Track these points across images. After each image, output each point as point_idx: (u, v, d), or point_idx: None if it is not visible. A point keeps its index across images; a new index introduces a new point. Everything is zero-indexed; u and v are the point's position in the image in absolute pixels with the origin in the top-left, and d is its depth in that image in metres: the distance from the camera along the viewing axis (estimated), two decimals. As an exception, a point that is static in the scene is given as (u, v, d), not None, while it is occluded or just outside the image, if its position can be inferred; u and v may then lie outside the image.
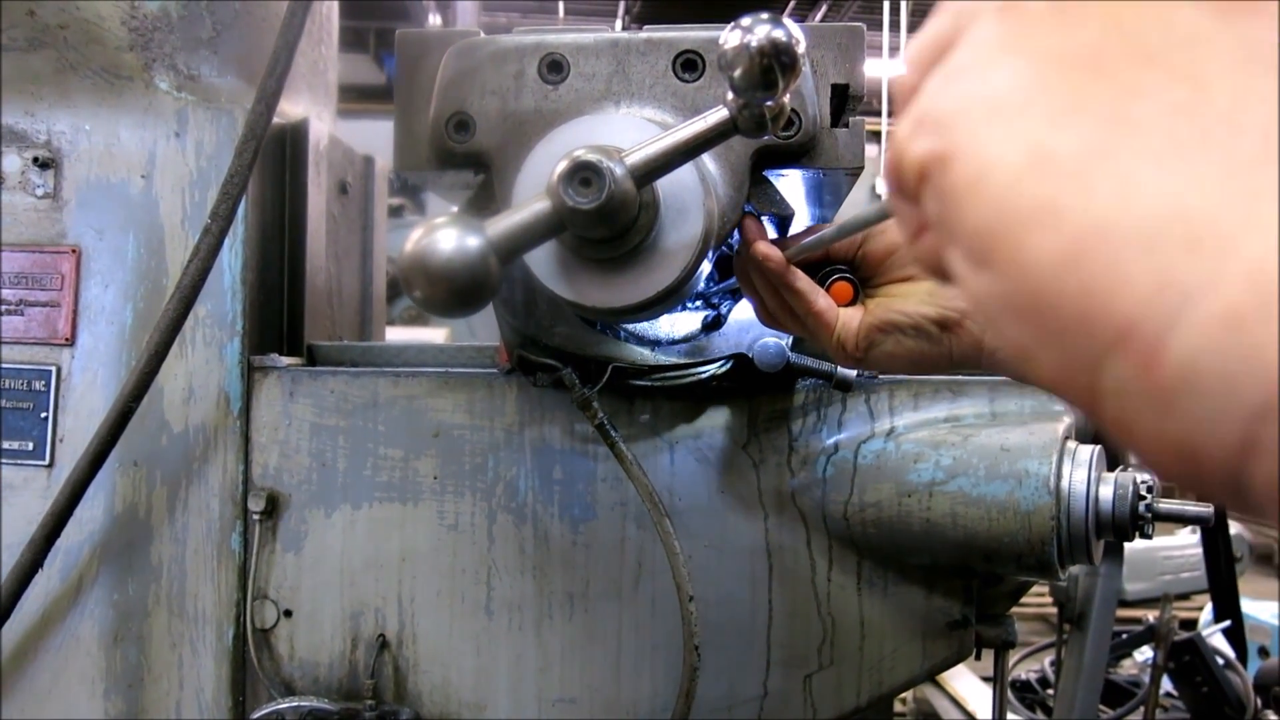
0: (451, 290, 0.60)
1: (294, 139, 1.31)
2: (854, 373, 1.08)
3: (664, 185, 0.68)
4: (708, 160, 0.73)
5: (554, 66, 0.81)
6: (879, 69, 10.21)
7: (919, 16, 13.82)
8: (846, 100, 0.85)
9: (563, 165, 0.60)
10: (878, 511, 1.11)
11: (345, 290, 1.47)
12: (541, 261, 0.71)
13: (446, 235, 0.60)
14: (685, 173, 0.69)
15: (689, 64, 0.80)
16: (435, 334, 3.07)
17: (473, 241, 0.60)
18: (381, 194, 1.56)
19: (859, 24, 0.85)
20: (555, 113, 0.79)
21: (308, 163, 1.31)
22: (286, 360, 1.25)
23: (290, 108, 1.35)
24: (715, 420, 1.18)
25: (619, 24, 16.23)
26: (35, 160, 1.23)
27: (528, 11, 15.90)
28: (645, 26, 0.82)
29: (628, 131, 0.68)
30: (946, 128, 0.37)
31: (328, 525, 1.22)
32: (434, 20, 15.37)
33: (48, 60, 1.23)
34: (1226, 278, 0.29)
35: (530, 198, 0.63)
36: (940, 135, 0.37)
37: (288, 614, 1.23)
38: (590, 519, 1.19)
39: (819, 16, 16.10)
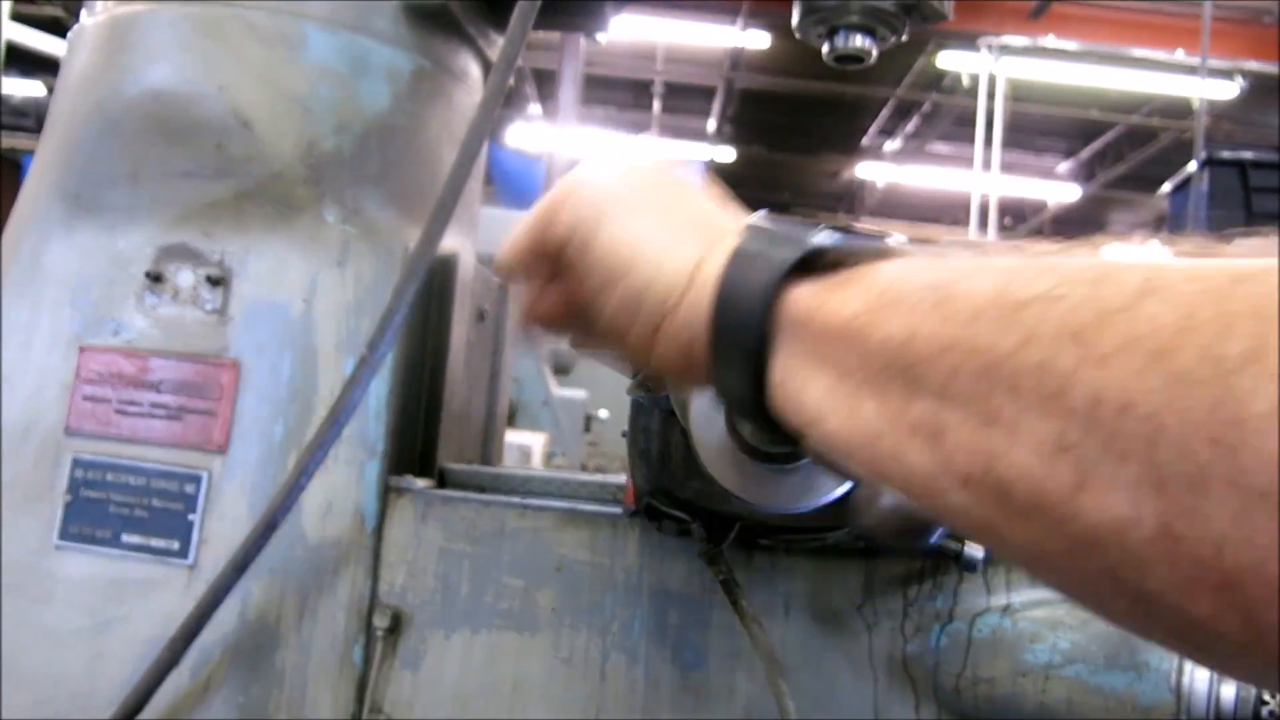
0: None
1: (443, 272, 1.39)
2: (980, 552, 1.10)
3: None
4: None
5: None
6: (975, 182, 10.26)
7: (1013, 131, 13.91)
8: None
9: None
10: (991, 688, 1.12)
11: (474, 411, 1.53)
12: (714, 457, 0.75)
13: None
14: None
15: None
16: (535, 438, 3.14)
17: None
18: (512, 319, 1.63)
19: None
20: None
21: (455, 296, 1.38)
22: (422, 483, 1.31)
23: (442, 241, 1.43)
24: (832, 578, 1.20)
25: (712, 122, 16.58)
26: (208, 278, 1.32)
27: (624, 106, 16.34)
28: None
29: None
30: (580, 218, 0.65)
31: (446, 647, 1.26)
32: (535, 110, 15.84)
33: (228, 188, 1.32)
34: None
35: None
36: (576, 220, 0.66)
37: (400, 730, 1.27)
38: (702, 666, 1.21)
39: (908, 129, 16.27)
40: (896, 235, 0.58)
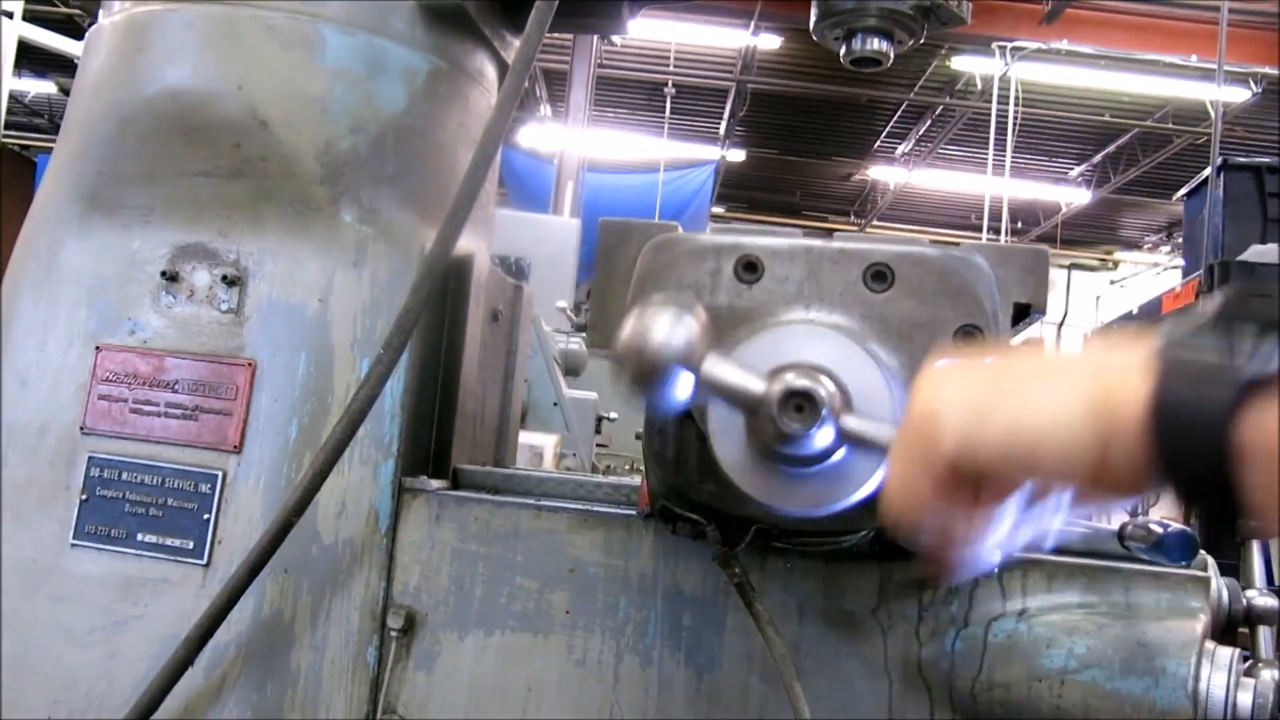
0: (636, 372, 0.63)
1: (459, 273, 1.39)
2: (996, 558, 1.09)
3: (858, 398, 0.72)
4: (897, 368, 0.77)
5: (749, 267, 0.86)
6: (985, 185, 10.23)
7: (1025, 135, 13.86)
8: (1028, 314, 0.89)
9: (779, 387, 0.64)
10: (1006, 693, 1.11)
11: (487, 412, 1.53)
12: (733, 459, 0.75)
13: (661, 323, 0.64)
14: (878, 387, 0.73)
15: (879, 275, 0.85)
16: (547, 439, 3.14)
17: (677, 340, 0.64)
18: (527, 320, 1.63)
19: (1044, 247, 0.89)
20: (749, 310, 0.85)
21: (469, 296, 1.38)
22: (435, 483, 1.31)
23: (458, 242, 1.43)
24: (847, 582, 1.20)
25: (723, 124, 16.58)
26: (224, 278, 1.32)
27: (636, 107, 16.34)
28: (836, 235, 0.88)
29: (818, 343, 0.73)
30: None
31: (460, 648, 1.26)
32: (545, 111, 15.85)
33: (245, 188, 1.33)
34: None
35: (752, 371, 0.67)
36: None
37: (413, 731, 1.27)
38: (715, 669, 1.21)
39: (920, 132, 16.25)
40: None
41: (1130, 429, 0.58)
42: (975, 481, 0.64)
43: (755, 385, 0.62)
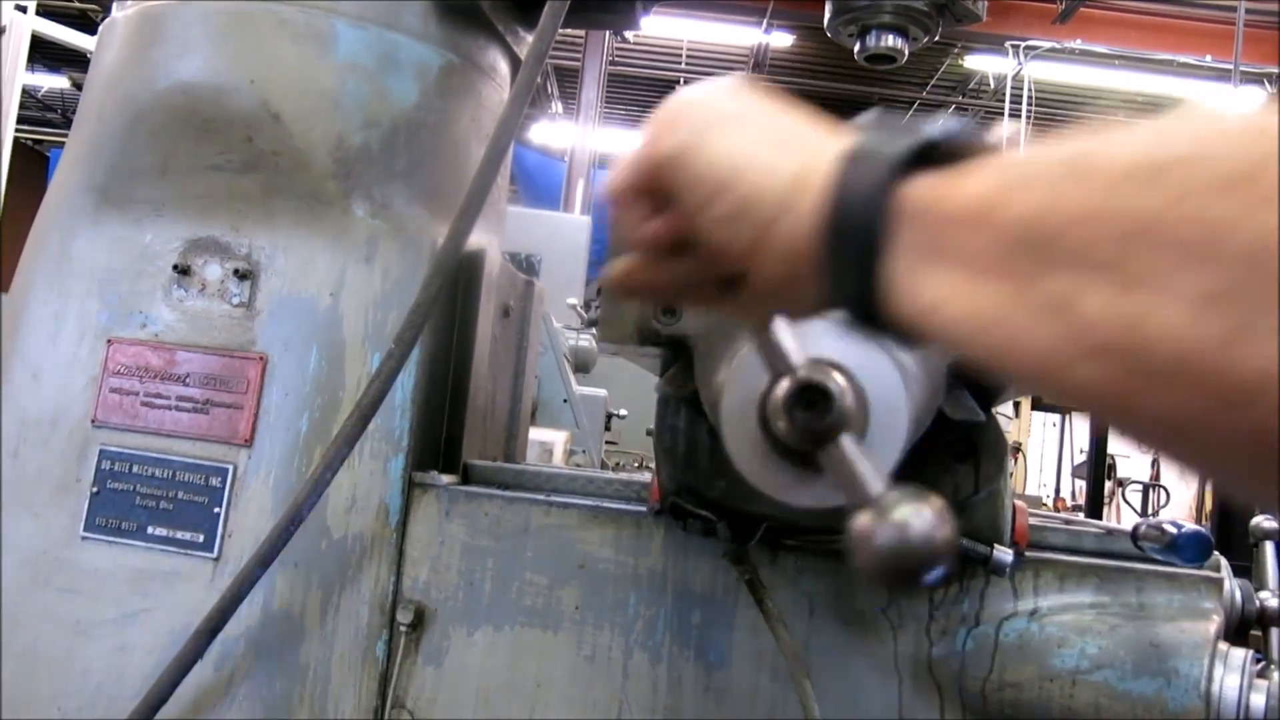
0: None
1: (470, 268, 1.39)
2: (1009, 556, 1.09)
3: (872, 394, 0.71)
4: (911, 365, 0.77)
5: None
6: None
7: (1038, 134, 13.82)
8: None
9: (786, 383, 0.64)
10: (1017, 692, 1.11)
11: (498, 408, 1.53)
12: (745, 456, 0.75)
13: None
14: (892, 383, 0.73)
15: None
16: (557, 435, 3.14)
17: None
18: (538, 315, 1.63)
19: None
20: (760, 307, 0.84)
21: (480, 291, 1.38)
22: (446, 478, 1.31)
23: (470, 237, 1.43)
24: (857, 580, 1.19)
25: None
26: (235, 271, 1.32)
27: (647, 105, 16.32)
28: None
29: (832, 338, 0.72)
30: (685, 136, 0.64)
31: (469, 643, 1.26)
32: (557, 108, 15.85)
33: (257, 182, 1.33)
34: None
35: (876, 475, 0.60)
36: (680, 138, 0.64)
37: (422, 726, 1.27)
38: (725, 666, 1.21)
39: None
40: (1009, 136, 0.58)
41: (810, 202, 0.57)
42: (668, 191, 0.66)
43: (875, 486, 0.57)
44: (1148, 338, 0.41)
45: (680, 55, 14.33)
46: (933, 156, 0.55)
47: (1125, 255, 0.42)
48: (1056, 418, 13.49)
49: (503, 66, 1.55)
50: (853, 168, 0.56)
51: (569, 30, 1.37)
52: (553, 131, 15.52)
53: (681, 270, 0.67)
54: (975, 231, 0.49)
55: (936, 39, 1.37)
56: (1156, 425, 0.43)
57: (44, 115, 17.30)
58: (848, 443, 0.63)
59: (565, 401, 4.18)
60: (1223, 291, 0.39)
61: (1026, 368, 0.47)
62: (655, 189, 0.66)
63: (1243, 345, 0.38)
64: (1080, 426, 12.10)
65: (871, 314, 0.55)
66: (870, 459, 0.62)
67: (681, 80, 14.64)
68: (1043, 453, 14.45)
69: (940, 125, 0.56)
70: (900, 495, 0.57)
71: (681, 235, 0.66)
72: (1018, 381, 0.51)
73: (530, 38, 1.27)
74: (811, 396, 0.63)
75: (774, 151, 0.61)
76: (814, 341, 0.71)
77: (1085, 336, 0.43)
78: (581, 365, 4.94)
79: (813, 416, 0.62)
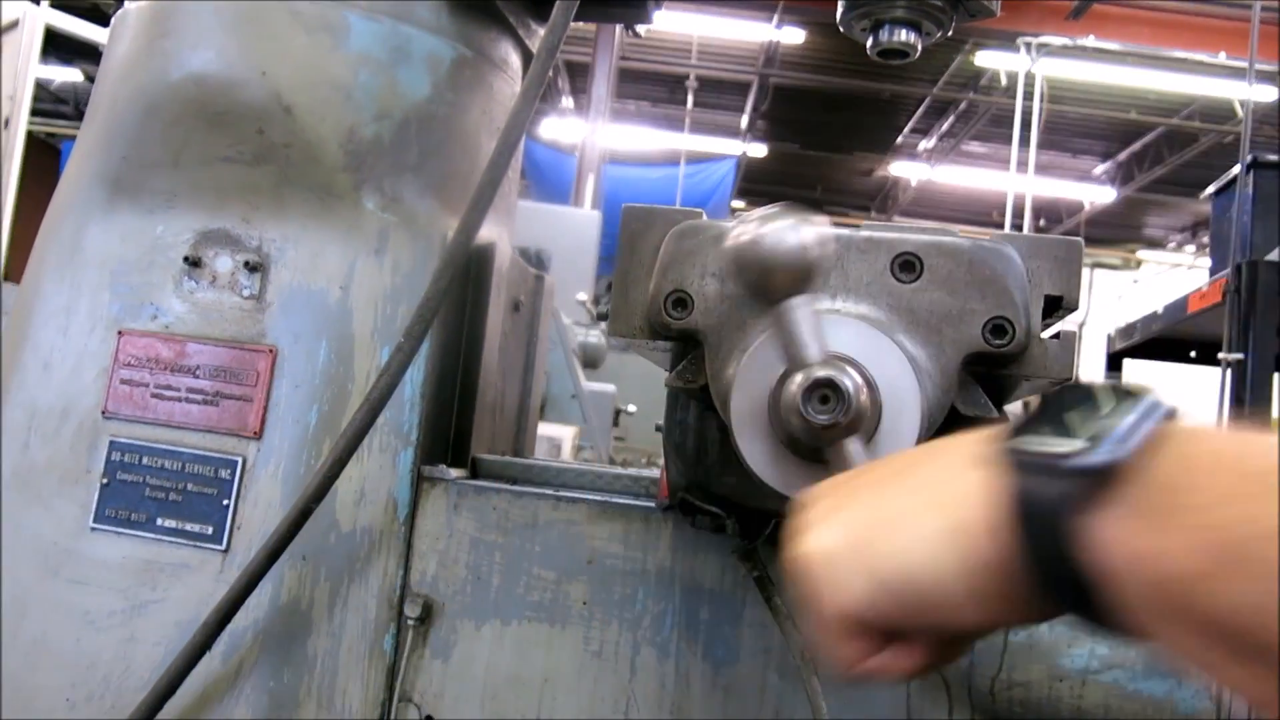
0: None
1: (480, 261, 1.39)
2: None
3: (885, 390, 0.71)
4: (924, 360, 0.76)
5: (774, 257, 0.85)
6: (1008, 182, 10.18)
7: (1050, 132, 13.75)
8: (1059, 307, 0.88)
9: (799, 378, 0.63)
10: (1026, 691, 1.10)
11: (507, 402, 1.53)
12: (755, 451, 0.74)
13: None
14: (905, 378, 0.72)
15: (907, 265, 0.84)
16: (565, 431, 3.14)
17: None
18: (548, 310, 1.62)
19: (1078, 239, 0.88)
20: (772, 301, 0.84)
21: (491, 285, 1.38)
22: (454, 472, 1.30)
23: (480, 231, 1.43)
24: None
25: (745, 118, 16.52)
26: (246, 264, 1.32)
27: (657, 100, 16.32)
28: (865, 224, 0.87)
29: (845, 333, 0.72)
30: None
31: (476, 637, 1.26)
32: (567, 103, 15.83)
33: (268, 174, 1.32)
34: None
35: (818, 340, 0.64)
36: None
37: (429, 719, 1.26)
38: (733, 663, 1.21)
39: (944, 128, 16.16)
40: (1154, 392, 0.54)
41: (986, 543, 0.55)
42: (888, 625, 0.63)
43: (813, 352, 0.60)
44: None
45: (690, 51, 14.32)
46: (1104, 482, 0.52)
47: None
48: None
49: (514, 60, 1.54)
50: (1028, 526, 0.53)
51: (580, 24, 1.37)
52: (563, 127, 15.52)
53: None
54: (1184, 614, 0.48)
55: (950, 35, 1.36)
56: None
57: (57, 108, 17.36)
58: (854, 447, 0.62)
59: (573, 397, 4.19)
60: None
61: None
62: (866, 632, 0.64)
63: None
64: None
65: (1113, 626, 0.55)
66: (881, 454, 0.62)
67: (691, 77, 14.62)
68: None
69: (1108, 443, 0.52)
70: None
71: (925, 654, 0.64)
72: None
73: (542, 31, 1.27)
74: (825, 393, 0.62)
75: (919, 528, 0.58)
76: (828, 334, 0.71)
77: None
78: (590, 361, 4.95)
79: (826, 413, 0.62)
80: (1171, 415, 0.52)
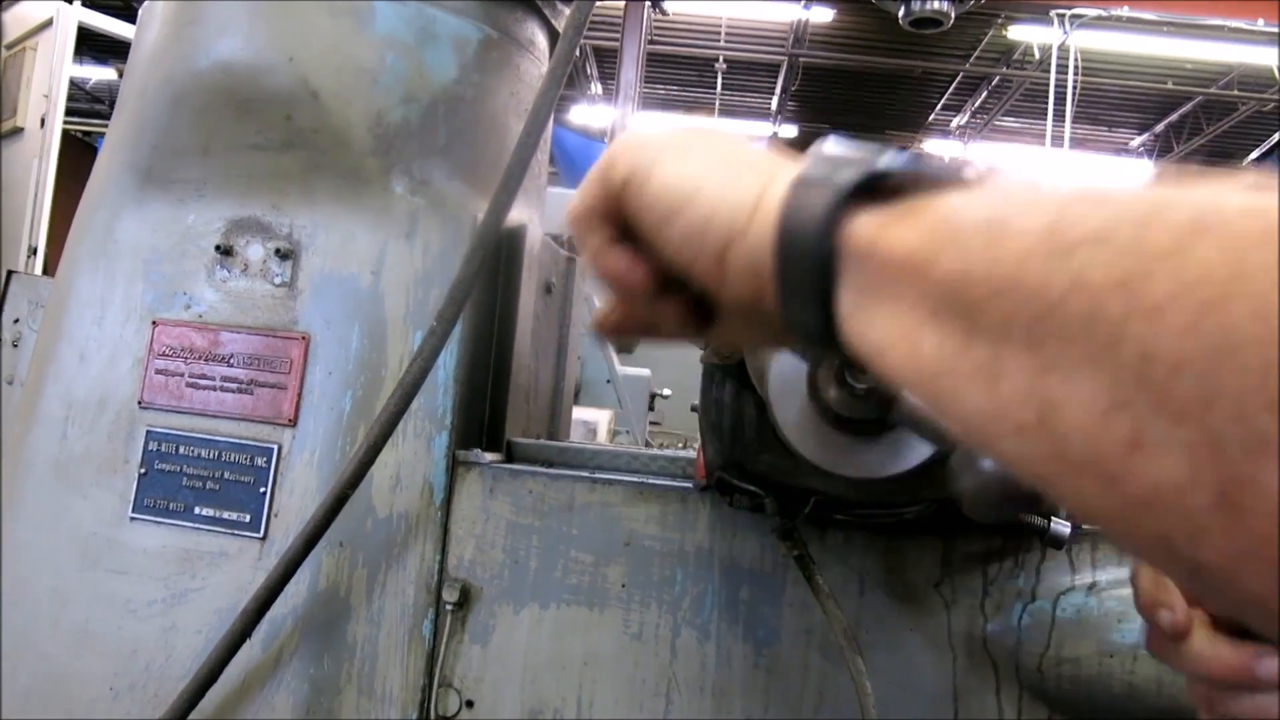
0: None
1: (511, 244, 1.38)
2: (1068, 528, 1.06)
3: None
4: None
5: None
6: (1043, 158, 10.04)
7: (1085, 105, 13.56)
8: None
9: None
10: (1075, 668, 1.08)
11: (541, 385, 1.52)
12: (793, 425, 0.73)
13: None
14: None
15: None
16: (601, 414, 3.13)
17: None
18: (580, 293, 1.61)
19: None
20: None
21: (522, 267, 1.37)
22: (489, 456, 1.30)
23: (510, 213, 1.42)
24: (908, 555, 1.17)
25: (775, 100, 16.42)
26: (277, 251, 1.32)
27: (686, 84, 16.24)
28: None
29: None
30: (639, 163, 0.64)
31: (515, 622, 1.26)
32: (596, 89, 15.80)
33: (297, 160, 1.32)
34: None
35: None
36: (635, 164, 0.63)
37: (469, 704, 1.26)
38: (774, 643, 1.19)
39: (977, 104, 15.97)
40: (970, 161, 0.55)
41: (764, 225, 0.56)
42: (627, 215, 0.65)
43: None
44: (1063, 427, 0.39)
45: (719, 33, 14.22)
46: (882, 187, 0.52)
47: (1037, 337, 0.40)
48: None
49: (541, 40, 1.53)
50: (801, 195, 0.54)
51: (607, 5, 1.35)
52: (592, 113, 15.48)
53: (659, 309, 0.66)
54: (909, 283, 0.47)
55: (982, 5, 1.32)
56: (1081, 511, 0.41)
57: (93, 107, 17.54)
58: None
59: (608, 382, 4.17)
60: (1120, 398, 0.36)
61: (963, 428, 0.45)
62: (614, 214, 0.66)
63: (1143, 454, 0.36)
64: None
65: (830, 343, 0.53)
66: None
67: (720, 59, 14.53)
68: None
69: (893, 156, 0.53)
70: None
71: (653, 274, 0.65)
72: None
73: (568, 10, 1.25)
74: (864, 361, 0.61)
75: (730, 173, 0.61)
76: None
77: (1008, 413, 0.41)
78: (624, 345, 4.93)
79: (866, 381, 0.60)
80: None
